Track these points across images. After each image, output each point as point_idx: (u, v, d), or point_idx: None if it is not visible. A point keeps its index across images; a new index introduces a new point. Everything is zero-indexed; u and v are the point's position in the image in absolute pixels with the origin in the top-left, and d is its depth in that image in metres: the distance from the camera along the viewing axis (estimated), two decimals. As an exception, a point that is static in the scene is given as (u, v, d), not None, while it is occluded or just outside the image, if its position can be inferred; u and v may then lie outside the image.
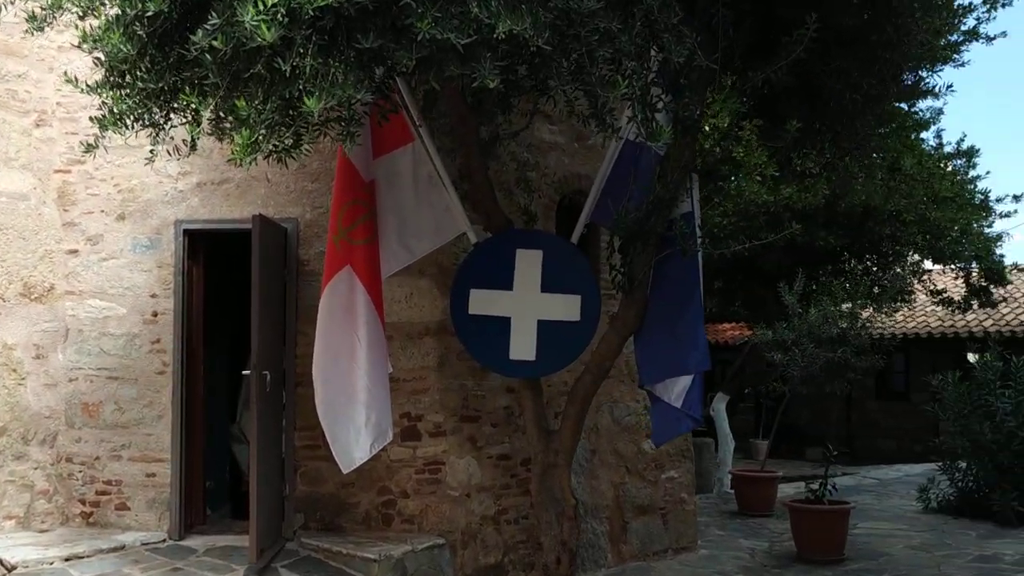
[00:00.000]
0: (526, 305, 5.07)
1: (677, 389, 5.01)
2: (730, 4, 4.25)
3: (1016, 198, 12.43)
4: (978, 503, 9.16)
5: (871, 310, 9.92)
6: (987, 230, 13.02)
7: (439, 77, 3.67)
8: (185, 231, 5.87)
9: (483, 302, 5.09)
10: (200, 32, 3.09)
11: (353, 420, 4.59)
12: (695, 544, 7.53)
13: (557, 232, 6.14)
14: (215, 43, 3.08)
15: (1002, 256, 12.72)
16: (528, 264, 5.09)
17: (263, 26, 2.91)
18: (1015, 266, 13.35)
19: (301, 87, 3.29)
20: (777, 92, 4.52)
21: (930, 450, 19.11)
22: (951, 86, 4.52)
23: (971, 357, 18.81)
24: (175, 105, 3.74)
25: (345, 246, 4.63)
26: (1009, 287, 13.23)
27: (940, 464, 9.89)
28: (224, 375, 6.84)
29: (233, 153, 3.34)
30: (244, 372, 5.76)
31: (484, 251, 5.15)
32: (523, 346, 5.08)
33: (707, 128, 5.53)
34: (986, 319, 17.65)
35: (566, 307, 5.08)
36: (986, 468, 9.08)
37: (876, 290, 13.24)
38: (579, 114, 4.12)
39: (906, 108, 11.78)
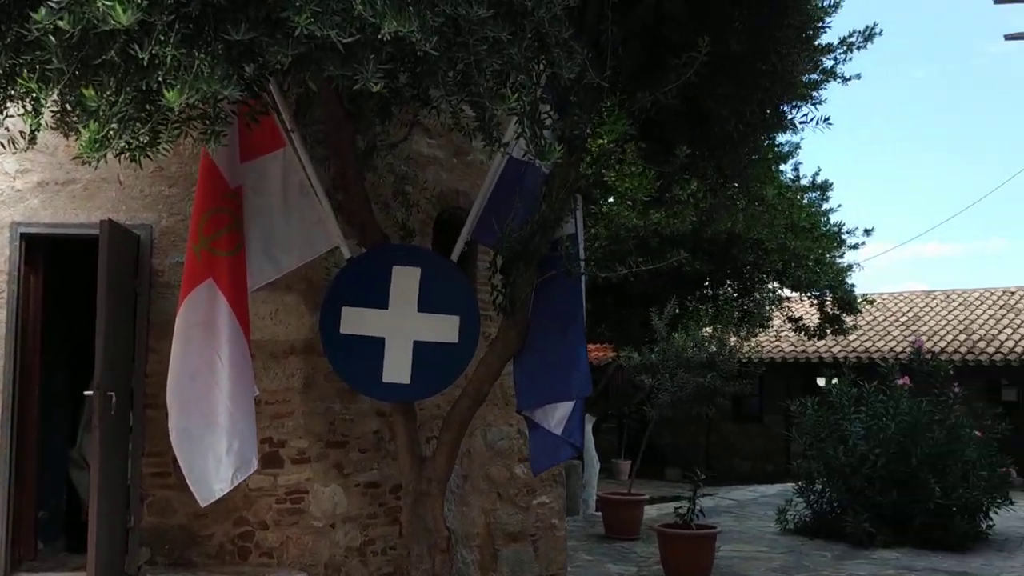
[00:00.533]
0: (402, 325, 4.82)
1: (558, 415, 4.86)
2: (618, 22, 4.17)
3: (867, 231, 13.13)
4: (832, 524, 9.48)
5: (734, 336, 10.14)
6: (838, 260, 13.69)
7: (316, 78, 3.40)
8: (22, 235, 5.30)
9: (356, 321, 4.80)
10: (43, 10, 2.71)
11: (213, 448, 4.20)
12: (564, 571, 7.41)
13: (433, 249, 5.91)
14: (60, 23, 2.70)
15: (853, 286, 13.38)
16: (405, 282, 4.83)
17: (118, 7, 2.57)
18: (864, 297, 14.03)
19: (160, 79, 2.95)
20: (664, 115, 4.47)
21: (781, 471, 19.99)
22: (828, 119, 4.52)
23: (820, 381, 19.77)
24: (12, 92, 3.30)
25: (207, 257, 4.24)
26: (856, 315, 13.87)
27: (796, 486, 10.20)
28: (64, 394, 6.22)
29: (80, 149, 2.95)
30: (86, 392, 5.23)
31: (358, 267, 4.86)
32: (398, 368, 4.81)
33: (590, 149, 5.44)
34: (834, 345, 18.56)
35: (444, 328, 4.85)
36: (840, 490, 9.43)
37: (737, 315, 13.66)
38: (465, 127, 3.92)
39: (768, 140, 12.26)
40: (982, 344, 17.36)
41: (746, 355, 11.44)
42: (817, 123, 4.58)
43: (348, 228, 4.99)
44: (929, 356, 10.85)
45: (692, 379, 7.87)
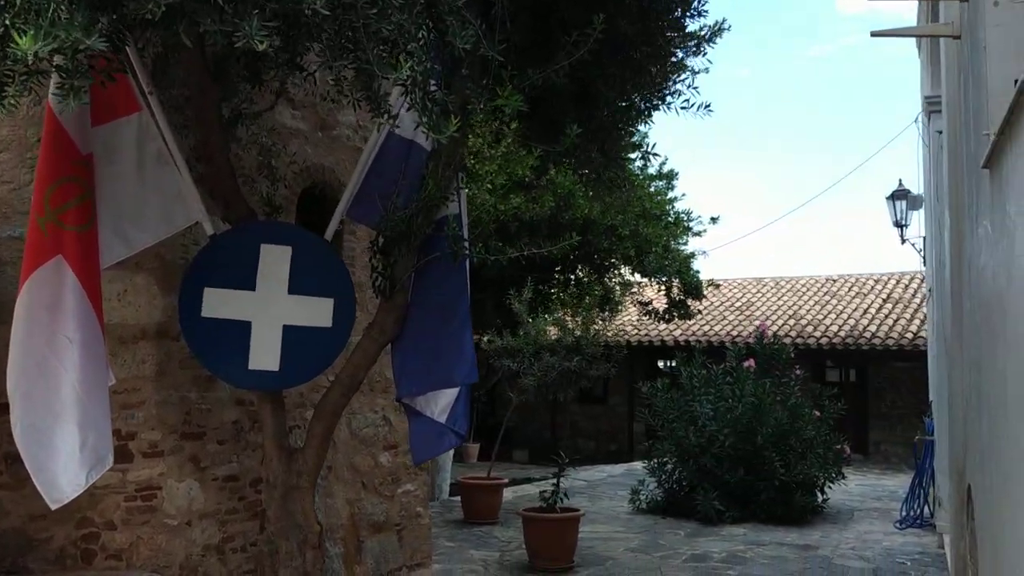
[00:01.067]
0: (270, 308, 4.49)
1: (442, 403, 4.67)
2: (508, -4, 4.01)
3: (713, 220, 13.65)
4: (683, 503, 9.79)
5: (599, 320, 10.27)
6: (683, 248, 14.17)
7: (190, 32, 3.07)
8: None
9: (219, 303, 4.43)
10: None
11: (64, 444, 3.73)
12: (429, 559, 7.25)
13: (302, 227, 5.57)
14: None
15: (698, 272, 13.89)
16: (274, 261, 4.51)
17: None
18: (711, 282, 14.61)
19: (8, 22, 2.57)
20: (552, 95, 4.35)
21: (624, 450, 20.61)
22: (708, 105, 4.54)
23: (660, 364, 20.51)
24: None
25: (54, 231, 3.76)
26: (701, 300, 14.41)
27: (647, 466, 10.46)
28: None
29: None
30: None
31: (222, 245, 4.48)
32: (265, 354, 4.49)
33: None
34: (675, 329, 19.27)
35: (316, 311, 4.56)
36: (690, 470, 9.73)
37: (587, 300, 13.88)
38: (349, 96, 3.66)
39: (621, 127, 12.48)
40: (809, 328, 18.48)
41: (608, 338, 11.65)
42: (699, 108, 4.58)
43: (211, 202, 4.60)
44: (772, 340, 11.37)
45: (558, 362, 7.87)
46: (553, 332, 8.52)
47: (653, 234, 12.28)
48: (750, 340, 17.31)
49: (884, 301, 19.93)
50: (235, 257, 4.47)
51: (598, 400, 21.46)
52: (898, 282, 21.48)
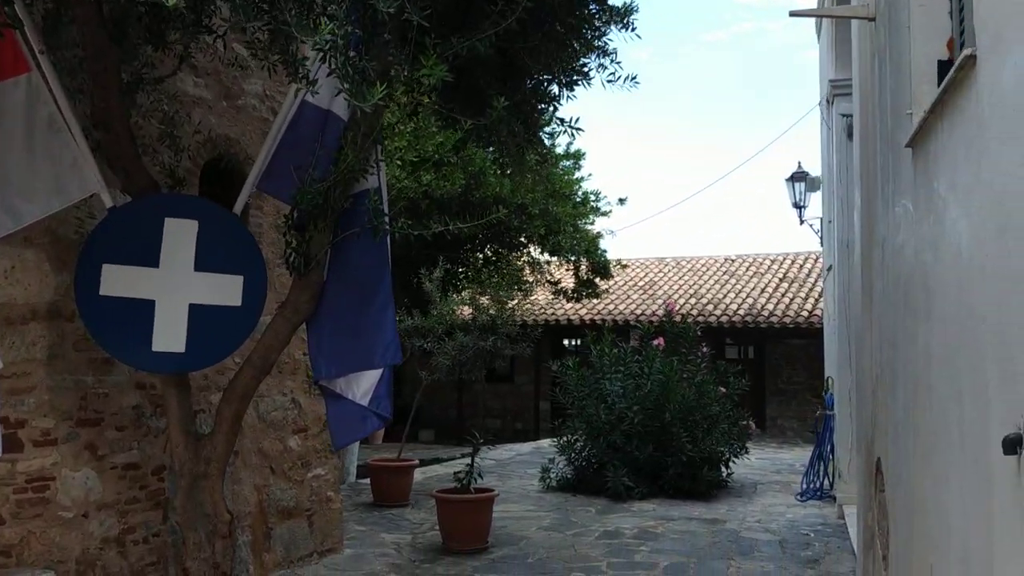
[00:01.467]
0: (176, 286, 4.24)
1: (363, 385, 4.50)
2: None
3: (621, 201, 13.75)
4: (592, 480, 9.84)
5: (515, 298, 10.21)
6: (590, 227, 14.25)
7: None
8: None
9: (120, 281, 4.15)
10: None
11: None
12: (341, 544, 7.07)
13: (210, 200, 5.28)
14: None
15: (605, 251, 13.99)
16: (180, 236, 4.25)
17: None
18: (619, 262, 14.73)
19: None
20: (475, 65, 4.22)
21: (530, 429, 20.71)
22: (635, 77, 4.47)
23: (566, 343, 20.67)
24: None
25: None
26: (608, 280, 14.53)
27: (557, 444, 10.48)
28: None
29: None
30: None
31: (123, 218, 4.20)
32: (170, 335, 4.23)
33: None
34: (580, 308, 19.43)
35: (225, 289, 4.33)
36: (600, 447, 9.80)
37: (496, 279, 13.81)
38: (267, 60, 3.45)
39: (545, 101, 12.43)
40: (710, 307, 18.90)
41: (523, 318, 11.57)
42: (625, 81, 4.51)
43: (109, 173, 4.30)
44: (678, 319, 11.54)
45: (473, 342, 7.76)
46: (466, 311, 8.40)
47: (563, 213, 12.28)
48: (653, 319, 17.63)
49: (780, 280, 20.55)
50: (136, 232, 4.20)
51: (505, 379, 21.47)
52: (793, 262, 22.17)
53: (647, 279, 22.13)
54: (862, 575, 5.33)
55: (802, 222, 14.58)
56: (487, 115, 3.97)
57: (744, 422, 10.07)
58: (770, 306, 18.53)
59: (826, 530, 7.96)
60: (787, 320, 17.69)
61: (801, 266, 21.71)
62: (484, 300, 8.58)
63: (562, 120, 4.73)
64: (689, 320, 17.81)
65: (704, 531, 7.91)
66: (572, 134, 4.75)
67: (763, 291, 19.82)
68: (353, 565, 6.69)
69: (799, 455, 14.62)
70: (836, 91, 8.62)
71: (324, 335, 4.50)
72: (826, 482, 9.45)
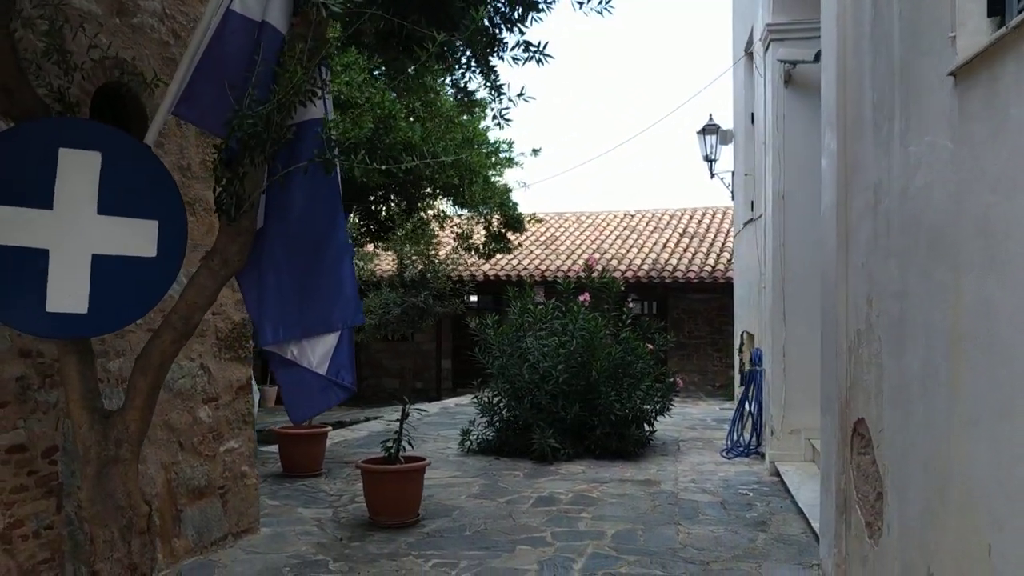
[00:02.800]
0: (74, 232, 3.46)
1: (319, 351, 3.84)
2: None
3: (535, 151, 13.20)
4: (515, 442, 9.41)
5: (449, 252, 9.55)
6: (498, 179, 13.67)
7: None
8: None
9: (3, 226, 3.34)
10: None
11: None
12: (257, 524, 6.39)
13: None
14: None
15: (517, 205, 13.45)
16: (78, 171, 3.45)
17: None
18: (533, 216, 14.22)
19: None
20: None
21: (431, 388, 20.18)
22: (610, 2, 3.92)
23: (474, 299, 20.13)
24: None
25: None
26: (521, 234, 14.03)
27: (478, 405, 9.98)
28: None
29: None
30: None
31: (5, 148, 3.37)
32: (68, 293, 3.46)
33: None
34: (484, 264, 18.91)
35: (136, 237, 3.57)
36: (524, 408, 9.36)
37: (400, 232, 13.10)
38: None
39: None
40: (614, 263, 18.71)
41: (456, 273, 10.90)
42: (601, 2, 3.96)
43: (-16, 91, 3.45)
44: (598, 273, 11.17)
45: (400, 299, 7.12)
46: (386, 266, 7.74)
47: (477, 163, 11.64)
48: (559, 275, 17.29)
49: (681, 236, 20.57)
50: (23, 165, 3.39)
51: (403, 337, 20.79)
52: (691, 217, 22.27)
53: (548, 235, 21.80)
54: (834, 540, 5.07)
55: (712, 176, 14.45)
56: (462, 29, 3.34)
57: (671, 379, 9.82)
58: (673, 261, 18.50)
59: (763, 489, 7.78)
60: (691, 275, 17.67)
61: (700, 221, 21.81)
62: (410, 252, 7.91)
63: (528, 44, 4.14)
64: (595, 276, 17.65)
65: (641, 494, 7.60)
66: (540, 60, 4.16)
67: (664, 246, 19.80)
68: (274, 546, 6.04)
69: (705, 409, 14.66)
70: (774, 36, 8.29)
71: (267, 292, 3.80)
72: (754, 439, 9.31)
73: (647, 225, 21.97)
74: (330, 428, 9.44)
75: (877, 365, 4.28)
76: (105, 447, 3.63)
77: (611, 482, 8.10)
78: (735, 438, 9.66)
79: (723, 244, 19.47)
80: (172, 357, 3.80)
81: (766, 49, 8.61)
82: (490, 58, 4.69)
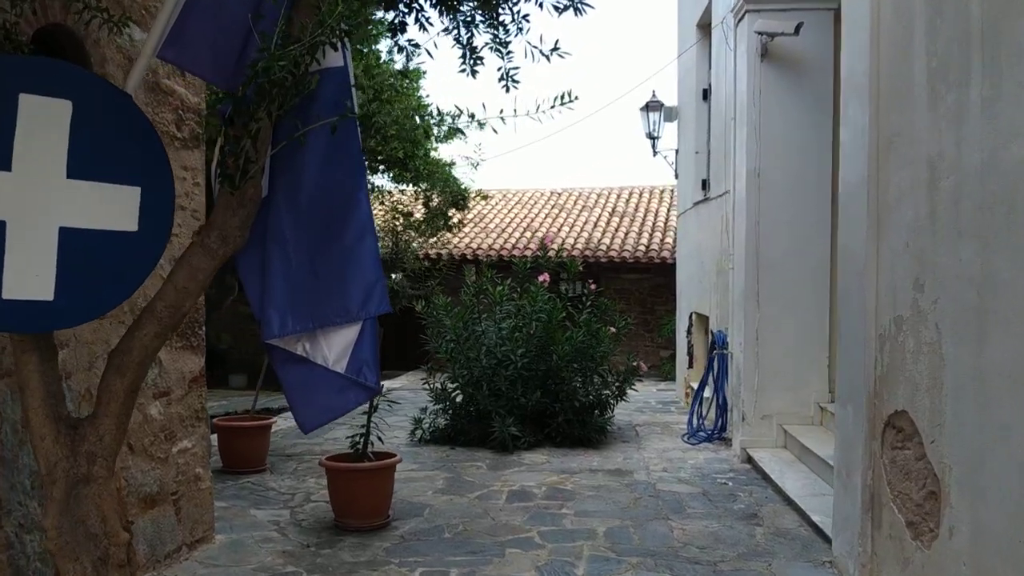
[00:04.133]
0: (38, 201, 2.78)
1: (338, 345, 3.25)
2: None
3: (480, 125, 12.61)
4: (469, 430, 8.92)
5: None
6: (434, 154, 13.05)
7: None
8: None
9: (-53, 191, 2.65)
10: None
11: None
12: (212, 531, 5.72)
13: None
14: None
15: (459, 181, 12.86)
16: (43, 125, 2.77)
17: None
18: (480, 192, 13.63)
19: None
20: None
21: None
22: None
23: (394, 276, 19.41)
24: None
25: None
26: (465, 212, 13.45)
27: (430, 391, 9.43)
28: None
29: None
30: None
31: (-51, 91, 2.66)
32: (30, 275, 2.79)
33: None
34: (413, 241, 18.21)
35: (114, 207, 2.91)
36: (483, 394, 8.86)
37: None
38: None
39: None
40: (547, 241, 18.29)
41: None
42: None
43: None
44: (553, 253, 10.72)
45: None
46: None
47: (421, 134, 11.00)
48: (491, 255, 16.79)
49: (611, 214, 20.32)
50: (-28, 114, 2.69)
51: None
52: (619, 196, 22.06)
53: (476, 212, 21.21)
54: (857, 539, 4.76)
55: (655, 153, 14.17)
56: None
57: (634, 363, 9.47)
58: (606, 240, 18.22)
59: (739, 478, 7.51)
60: (626, 254, 17.43)
61: (628, 200, 21.62)
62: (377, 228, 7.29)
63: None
64: (527, 254, 17.20)
65: (617, 485, 7.22)
66: (579, 9, 3.65)
67: (596, 225, 19.51)
68: (235, 557, 5.39)
69: (644, 392, 14.42)
70: (750, 7, 7.95)
71: (272, 276, 3.18)
72: (719, 424, 9.05)
73: (575, 204, 21.65)
74: (275, 420, 8.73)
75: (933, 355, 3.95)
76: (75, 463, 2.98)
77: (580, 472, 7.70)
78: (697, 423, 9.39)
79: (654, 223, 19.31)
80: (154, 354, 3.15)
81: (739, 21, 8.26)
82: (500, 8, 4.15)
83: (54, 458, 2.96)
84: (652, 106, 13.77)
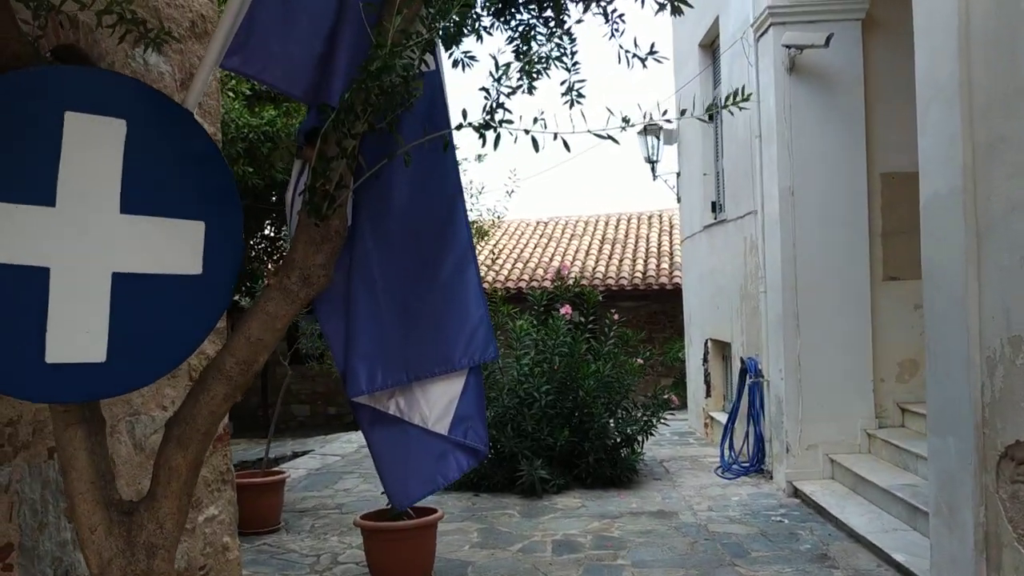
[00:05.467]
0: (87, 241, 2.29)
1: (439, 401, 2.76)
2: None
3: (479, 157, 12.23)
4: (492, 474, 8.39)
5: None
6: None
7: None
8: None
9: (-19, 232, 2.15)
10: None
11: None
12: (242, 607, 5.15)
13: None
14: None
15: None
16: (93, 148, 2.29)
17: None
18: (497, 219, 13.14)
19: None
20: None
21: (346, 413, 18.75)
22: None
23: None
24: None
25: None
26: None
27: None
28: None
29: None
30: None
31: (-19, 110, 2.17)
32: (79, 332, 2.29)
33: None
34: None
35: (175, 246, 2.43)
36: (508, 436, 8.35)
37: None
38: None
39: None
40: (540, 271, 17.89)
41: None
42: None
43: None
44: (571, 282, 10.29)
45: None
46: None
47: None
48: (497, 285, 16.33)
49: (602, 242, 19.97)
50: (8, 136, 2.20)
51: (313, 358, 19.28)
52: (607, 223, 21.73)
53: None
54: (975, 584, 4.32)
55: (655, 177, 13.84)
56: None
57: (665, 395, 9.01)
58: (601, 268, 17.84)
59: (792, 513, 7.06)
60: (623, 282, 17.04)
61: (616, 227, 21.31)
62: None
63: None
64: (521, 285, 16.78)
65: (666, 529, 6.73)
66: (677, 9, 3.24)
67: (588, 253, 19.14)
68: (272, 636, 4.83)
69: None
70: (776, 20, 7.63)
71: (358, 320, 2.69)
72: (757, 456, 8.60)
73: (563, 232, 21.28)
74: (287, 475, 8.15)
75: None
76: (132, 559, 2.45)
77: (622, 516, 7.20)
78: (729, 455, 8.94)
79: (647, 249, 18.97)
80: (221, 419, 2.65)
81: (761, 35, 7.94)
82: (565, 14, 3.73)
83: (108, 554, 2.43)
84: (650, 129, 13.45)
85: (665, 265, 17.63)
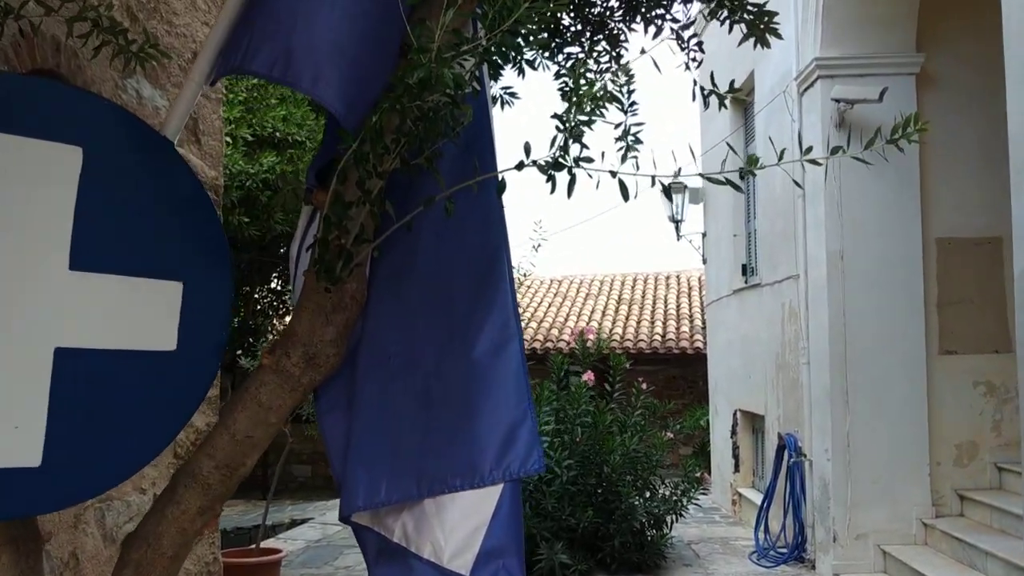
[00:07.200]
0: (24, 306, 1.71)
1: (460, 529, 2.00)
2: None
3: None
4: (509, 556, 7.68)
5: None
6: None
7: None
8: None
9: None
10: None
11: None
12: None
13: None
14: None
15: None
16: (36, 183, 1.73)
17: None
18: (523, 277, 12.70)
19: None
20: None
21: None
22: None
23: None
24: None
25: None
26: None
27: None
28: None
29: None
30: None
31: None
32: (6, 427, 1.70)
33: None
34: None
35: (141, 312, 1.85)
36: (527, 517, 7.66)
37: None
38: None
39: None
40: (555, 332, 17.30)
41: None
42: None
43: None
44: (595, 346, 9.69)
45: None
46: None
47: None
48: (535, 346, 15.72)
49: (618, 302, 19.39)
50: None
51: (313, 419, 18.62)
52: (623, 283, 21.19)
53: (475, 302, 20.23)
54: None
55: (679, 237, 13.32)
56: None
57: (697, 473, 8.33)
58: (619, 330, 17.23)
59: (844, 612, 6.34)
60: (642, 345, 16.41)
61: (633, 287, 20.75)
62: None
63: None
64: (536, 345, 16.16)
65: (705, 628, 6.02)
66: (764, 40, 2.71)
67: (604, 314, 18.55)
68: None
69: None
70: (824, 73, 7.15)
71: (365, 410, 2.06)
72: (798, 541, 7.87)
73: (577, 291, 20.72)
74: (284, 552, 7.46)
75: None
76: None
77: (654, 611, 6.49)
78: (766, 540, 8.22)
79: (666, 311, 18.37)
80: (194, 539, 2.04)
81: (806, 89, 7.46)
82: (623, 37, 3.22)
83: None
84: (675, 188, 12.96)
85: (685, 328, 17.01)
